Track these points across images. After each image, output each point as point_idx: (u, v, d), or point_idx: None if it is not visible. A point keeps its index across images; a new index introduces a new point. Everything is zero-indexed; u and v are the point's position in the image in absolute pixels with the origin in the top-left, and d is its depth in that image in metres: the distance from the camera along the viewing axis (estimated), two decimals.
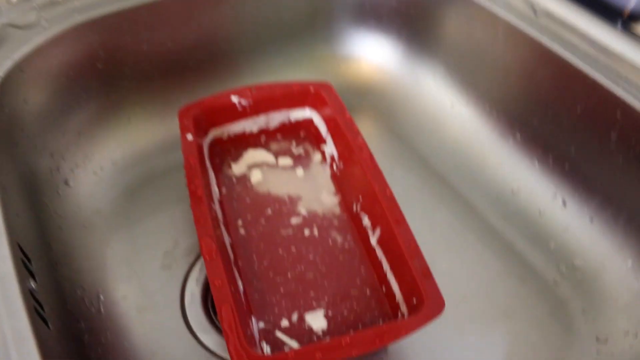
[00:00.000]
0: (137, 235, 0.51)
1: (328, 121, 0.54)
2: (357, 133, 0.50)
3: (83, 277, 0.47)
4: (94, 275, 0.48)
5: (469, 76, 0.58)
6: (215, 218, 0.46)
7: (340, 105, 0.52)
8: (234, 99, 0.53)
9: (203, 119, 0.53)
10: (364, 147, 0.49)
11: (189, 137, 0.49)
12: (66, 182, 0.52)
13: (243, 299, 0.43)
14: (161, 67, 0.57)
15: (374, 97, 0.64)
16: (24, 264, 0.37)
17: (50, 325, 0.36)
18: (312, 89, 0.54)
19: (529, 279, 0.49)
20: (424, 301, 0.39)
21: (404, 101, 0.63)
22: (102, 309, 0.46)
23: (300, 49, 0.63)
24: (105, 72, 0.54)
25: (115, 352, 0.43)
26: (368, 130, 0.61)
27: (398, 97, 0.63)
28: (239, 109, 0.54)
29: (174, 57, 0.57)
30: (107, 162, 0.55)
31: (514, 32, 0.51)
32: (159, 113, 0.52)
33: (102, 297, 0.46)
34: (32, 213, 0.46)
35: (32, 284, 0.36)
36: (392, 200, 0.45)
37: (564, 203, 0.51)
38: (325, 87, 0.54)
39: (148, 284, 0.48)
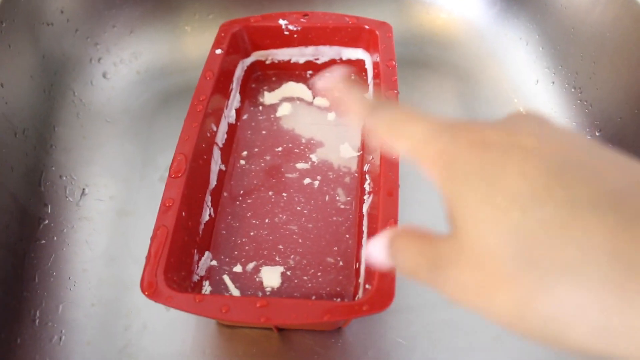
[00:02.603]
0: (152, 142, 0.50)
1: (374, 66, 0.47)
2: (393, 83, 0.43)
3: (77, 167, 0.46)
4: (90, 168, 0.47)
5: (563, 51, 0.47)
6: (208, 140, 0.42)
7: (390, 50, 0.45)
8: (282, 22, 0.48)
9: (245, 37, 0.49)
10: (393, 99, 0.42)
11: (217, 51, 0.46)
12: (104, 75, 0.51)
13: (201, 230, 0.40)
14: None
15: (453, 53, 0.54)
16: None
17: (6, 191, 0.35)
18: (367, 26, 0.47)
19: None
20: (373, 291, 0.33)
21: (486, 65, 0.53)
22: (80, 202, 0.45)
23: None
24: None
25: (70, 245, 0.42)
26: (433, 87, 0.53)
27: (481, 59, 0.53)
28: (287, 34, 0.49)
29: None
30: (154, 65, 0.54)
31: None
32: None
33: (86, 190, 0.45)
34: (46, 94, 0.46)
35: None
36: (394, 167, 0.38)
37: None
38: (383, 27, 0.47)
39: (139, 192, 0.46)
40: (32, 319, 0.38)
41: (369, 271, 0.35)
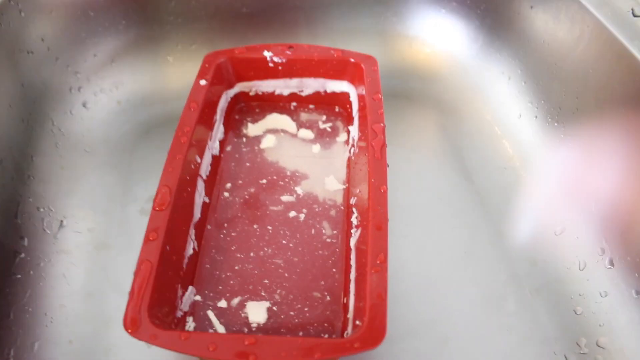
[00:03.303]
0: (132, 173, 0.49)
1: (360, 99, 0.47)
2: (379, 116, 0.43)
3: (55, 198, 0.45)
4: (68, 199, 0.45)
5: (546, 86, 0.47)
6: (192, 171, 0.41)
7: (376, 83, 0.45)
8: (267, 54, 0.48)
9: (230, 69, 0.48)
10: (379, 133, 0.42)
11: (202, 82, 0.45)
12: (84, 104, 0.51)
13: (185, 264, 0.39)
14: (210, 8, 0.53)
15: (437, 87, 0.55)
16: None
17: None
18: (352, 59, 0.47)
19: (531, 343, 0.39)
20: (362, 327, 0.32)
21: (469, 99, 0.53)
22: (58, 234, 0.43)
23: (366, 19, 0.55)
24: (149, 2, 0.51)
25: (46, 280, 0.41)
26: (417, 120, 0.53)
27: (464, 93, 0.54)
28: (271, 65, 0.48)
29: None
30: (135, 95, 0.53)
31: (602, 35, 0.41)
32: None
33: (65, 222, 0.44)
34: (24, 123, 0.45)
35: None
36: (382, 200, 0.37)
37: (612, 262, 0.40)
38: (368, 60, 0.47)
39: (119, 224, 0.45)
40: (7, 359, 0.36)
41: (358, 306, 0.34)
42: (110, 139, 0.50)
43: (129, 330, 0.32)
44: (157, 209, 0.37)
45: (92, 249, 0.44)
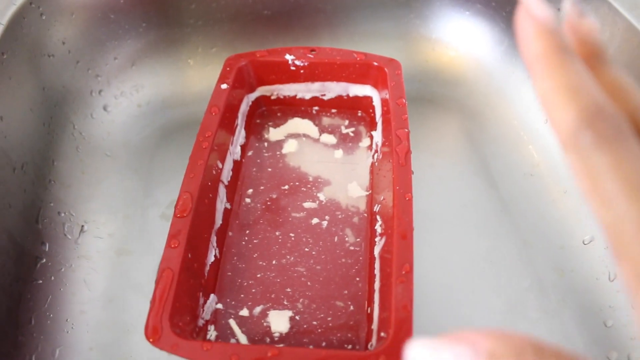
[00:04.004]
0: (153, 177, 0.48)
1: (383, 103, 0.46)
2: (404, 122, 0.42)
3: (76, 203, 0.45)
4: (89, 204, 0.45)
5: None
6: (213, 177, 0.41)
7: (400, 87, 0.44)
8: (288, 57, 0.47)
9: (251, 72, 0.48)
10: (404, 139, 0.41)
11: (223, 86, 0.45)
12: (105, 107, 0.50)
13: (207, 272, 0.38)
14: (231, 10, 0.52)
15: (460, 91, 0.54)
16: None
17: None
18: (376, 63, 0.46)
19: None
20: (388, 340, 0.31)
21: (494, 103, 0.52)
22: (79, 239, 0.43)
23: (388, 22, 0.55)
24: (170, 4, 0.51)
25: (67, 285, 0.40)
26: (440, 125, 0.52)
27: (488, 97, 0.53)
28: (293, 69, 0.48)
29: (246, 2, 0.52)
30: (155, 98, 0.53)
31: (634, 38, 0.39)
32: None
33: (85, 227, 0.44)
34: (45, 127, 0.44)
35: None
36: (407, 208, 0.37)
37: None
38: (392, 64, 0.46)
39: (140, 229, 0.45)
40: None
41: (383, 317, 0.34)
42: (130, 142, 0.50)
43: (151, 340, 0.31)
44: (178, 215, 0.37)
45: (113, 254, 0.43)
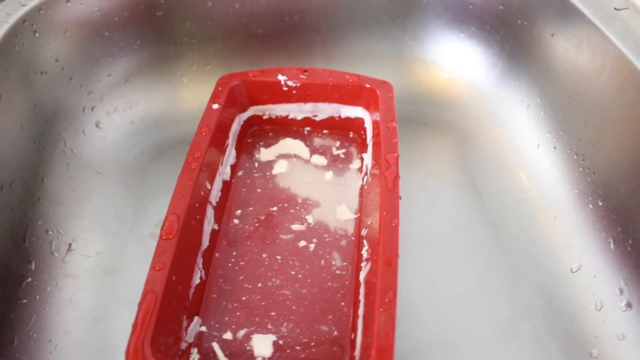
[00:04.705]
0: (144, 195, 0.48)
1: (374, 125, 0.46)
2: (393, 146, 0.42)
3: (64, 221, 0.44)
4: (77, 222, 0.45)
5: (565, 116, 0.46)
6: (201, 198, 0.41)
7: (391, 110, 0.44)
8: (281, 78, 0.47)
9: (243, 92, 0.48)
10: (393, 164, 0.41)
11: (215, 106, 0.45)
12: (97, 124, 0.50)
13: (191, 294, 0.38)
14: (225, 29, 0.52)
15: (454, 113, 0.54)
16: None
17: None
18: (368, 85, 0.46)
19: None
20: None
21: (487, 126, 0.52)
22: (66, 257, 0.43)
23: (383, 42, 0.55)
24: (165, 22, 0.51)
25: (52, 305, 0.40)
26: (432, 146, 0.52)
27: (481, 120, 0.53)
28: (285, 89, 0.48)
29: (241, 20, 0.52)
30: (148, 115, 0.53)
31: (625, 67, 0.39)
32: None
33: (73, 245, 0.44)
34: (36, 144, 0.44)
35: None
36: (393, 234, 0.36)
37: (629, 305, 0.39)
38: (384, 86, 0.46)
39: (128, 247, 0.45)
40: None
41: (365, 344, 0.34)
42: (122, 159, 0.50)
43: None
44: (164, 237, 0.37)
45: (100, 273, 0.43)
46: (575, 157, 0.45)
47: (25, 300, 0.39)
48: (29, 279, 0.40)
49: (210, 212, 0.42)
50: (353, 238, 0.43)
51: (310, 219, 0.44)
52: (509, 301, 0.42)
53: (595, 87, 0.43)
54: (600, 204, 0.42)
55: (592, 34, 0.43)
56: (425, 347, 0.40)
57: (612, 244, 0.41)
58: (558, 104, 0.47)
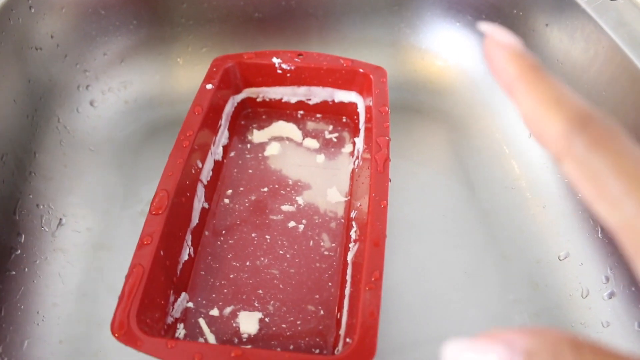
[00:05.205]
0: (136, 174, 0.48)
1: (367, 110, 0.46)
2: (385, 130, 0.42)
3: (55, 196, 0.45)
4: (69, 197, 0.45)
5: None
6: (192, 176, 0.41)
7: (384, 95, 0.44)
8: (275, 60, 0.47)
9: (238, 74, 0.48)
10: (384, 147, 0.41)
11: (208, 86, 0.45)
12: (91, 102, 0.50)
13: (179, 269, 0.38)
14: (222, 11, 0.52)
15: (448, 101, 0.54)
16: None
17: None
18: (361, 70, 0.47)
19: None
20: (352, 345, 0.31)
21: (479, 115, 0.53)
22: (56, 232, 0.43)
23: (379, 30, 0.55)
24: (161, 3, 0.51)
25: (41, 278, 0.40)
26: (425, 134, 0.52)
27: (474, 109, 0.53)
28: (280, 72, 0.48)
29: (238, 3, 0.52)
30: (143, 95, 0.53)
31: (616, 57, 0.40)
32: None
33: (64, 220, 0.44)
34: (29, 119, 0.45)
35: None
36: (382, 215, 0.37)
37: (615, 292, 0.39)
38: (377, 72, 0.46)
39: (118, 225, 0.45)
40: None
41: (351, 323, 0.34)
42: (115, 138, 0.50)
43: (116, 335, 0.32)
44: (153, 212, 0.37)
45: (90, 249, 0.43)
46: None
47: (13, 272, 0.39)
48: (18, 252, 0.40)
49: (200, 191, 0.42)
50: (342, 220, 0.43)
51: (300, 200, 0.44)
52: (497, 287, 0.42)
53: (587, 77, 0.43)
54: None
55: (585, 24, 0.43)
56: (413, 331, 0.40)
57: (599, 232, 0.41)
58: None
